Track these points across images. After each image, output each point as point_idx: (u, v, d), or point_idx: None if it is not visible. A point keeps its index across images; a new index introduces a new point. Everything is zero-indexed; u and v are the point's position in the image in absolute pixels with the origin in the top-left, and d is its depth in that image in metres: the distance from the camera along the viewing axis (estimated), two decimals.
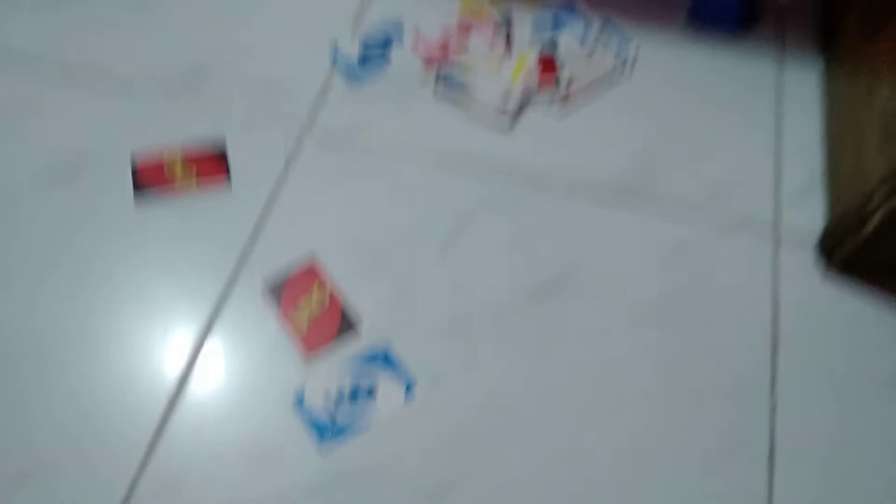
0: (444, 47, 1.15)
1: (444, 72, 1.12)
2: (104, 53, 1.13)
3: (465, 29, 1.18)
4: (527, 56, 1.14)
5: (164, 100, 1.09)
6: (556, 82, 1.12)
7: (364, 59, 1.15)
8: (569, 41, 1.18)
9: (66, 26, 1.15)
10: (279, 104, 1.09)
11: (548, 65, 1.14)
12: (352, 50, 1.15)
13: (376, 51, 1.16)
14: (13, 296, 0.92)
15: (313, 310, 0.91)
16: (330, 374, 0.87)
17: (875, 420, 0.87)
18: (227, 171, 1.02)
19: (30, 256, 0.95)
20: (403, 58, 1.14)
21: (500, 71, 1.12)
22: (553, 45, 1.17)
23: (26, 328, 0.89)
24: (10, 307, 0.91)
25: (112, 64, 1.12)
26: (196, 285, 0.93)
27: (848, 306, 0.95)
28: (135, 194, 0.99)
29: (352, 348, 0.89)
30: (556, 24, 1.21)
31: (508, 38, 1.17)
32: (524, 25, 1.20)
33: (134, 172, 1.01)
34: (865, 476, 0.84)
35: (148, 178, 1.01)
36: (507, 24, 1.20)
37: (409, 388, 0.86)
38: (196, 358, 0.89)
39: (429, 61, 1.14)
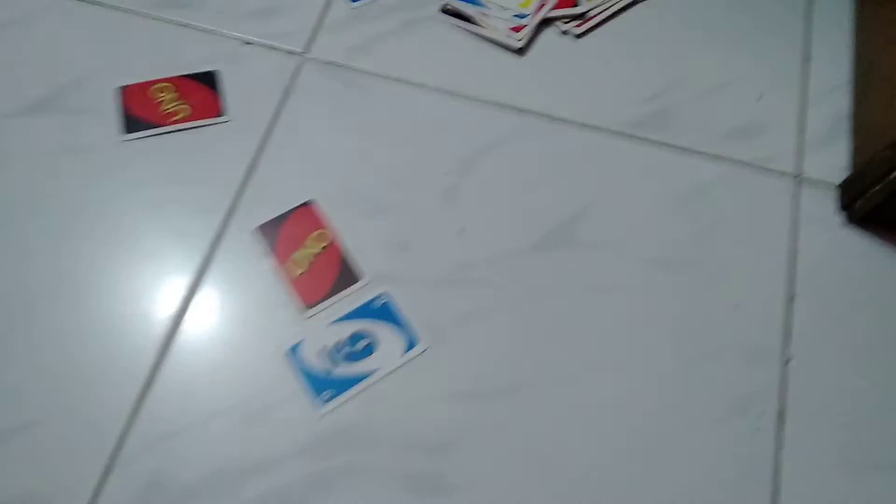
0: None
1: None
2: None
3: None
4: None
5: (155, 22, 1.02)
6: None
7: None
8: None
9: None
10: (276, 24, 1.02)
11: None
12: None
13: None
14: None
15: (311, 256, 0.87)
16: (327, 326, 0.83)
17: (891, 378, 0.85)
18: (220, 102, 0.96)
19: (10, 193, 0.90)
20: None
21: None
22: None
23: (7, 271, 0.86)
24: None
25: None
26: (187, 227, 0.89)
27: (869, 258, 0.91)
28: (123, 127, 0.94)
29: (351, 298, 0.85)
30: None
31: None
32: None
33: (122, 103, 0.95)
34: (879, 435, 0.82)
35: (137, 110, 0.95)
36: None
37: (409, 341, 0.83)
38: (186, 307, 0.85)
39: None
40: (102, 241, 0.88)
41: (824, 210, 0.94)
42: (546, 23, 1.04)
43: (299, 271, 0.86)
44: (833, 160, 0.97)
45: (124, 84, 0.96)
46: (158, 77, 0.97)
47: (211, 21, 1.02)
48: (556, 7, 1.04)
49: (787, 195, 0.94)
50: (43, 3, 1.03)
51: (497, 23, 1.02)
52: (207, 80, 0.97)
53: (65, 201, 0.90)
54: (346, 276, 0.86)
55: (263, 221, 0.89)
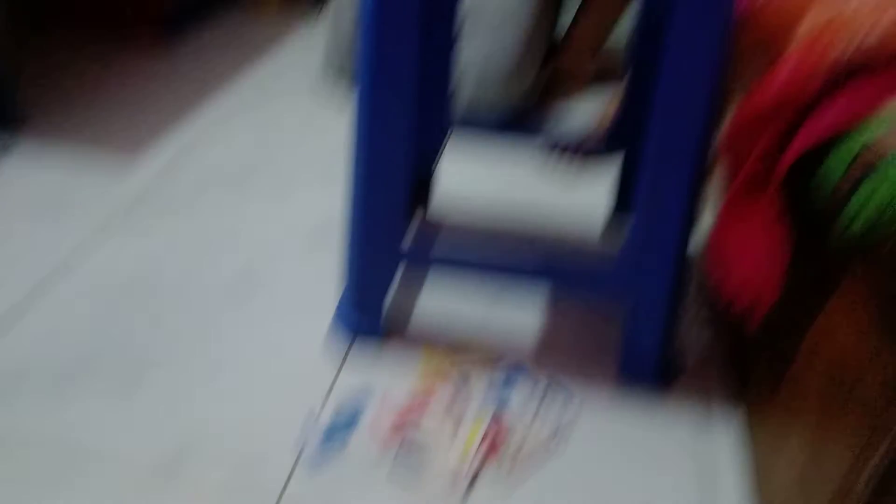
0: (402, 425, 1.28)
1: (399, 453, 1.24)
2: (82, 439, 1.22)
3: (427, 393, 1.33)
4: (478, 430, 1.27)
5: (138, 488, 1.15)
6: (503, 455, 1.24)
7: (326, 440, 1.26)
8: (518, 401, 1.33)
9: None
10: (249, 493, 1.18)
11: (497, 436, 1.26)
12: (317, 434, 1.27)
13: (339, 433, 1.28)
14: None
15: None
16: None
17: None
18: None
19: None
20: (361, 442, 1.26)
21: (451, 449, 1.25)
22: (504, 405, 1.32)
23: None
24: None
25: (90, 449, 1.20)
26: None
27: None
28: None
29: None
30: (507, 384, 1.36)
31: (463, 398, 1.31)
32: (479, 386, 1.35)
33: None
34: None
35: None
36: (466, 381, 1.35)
37: None
38: None
39: (386, 443, 1.26)
40: None
41: None
42: (479, 475, 1.21)
43: None
44: None
45: None
46: None
47: (192, 482, 1.17)
48: (488, 457, 1.23)
49: None
50: None
51: (437, 479, 1.20)
52: None
53: None
54: None
55: None
